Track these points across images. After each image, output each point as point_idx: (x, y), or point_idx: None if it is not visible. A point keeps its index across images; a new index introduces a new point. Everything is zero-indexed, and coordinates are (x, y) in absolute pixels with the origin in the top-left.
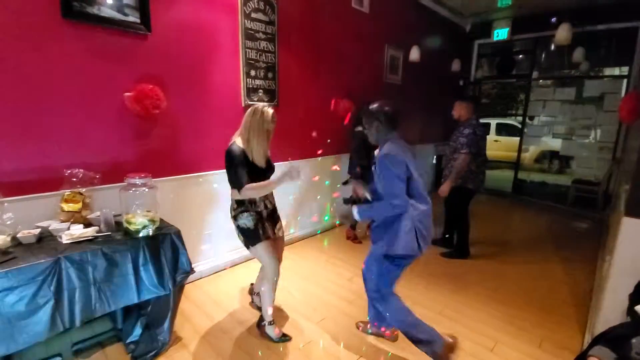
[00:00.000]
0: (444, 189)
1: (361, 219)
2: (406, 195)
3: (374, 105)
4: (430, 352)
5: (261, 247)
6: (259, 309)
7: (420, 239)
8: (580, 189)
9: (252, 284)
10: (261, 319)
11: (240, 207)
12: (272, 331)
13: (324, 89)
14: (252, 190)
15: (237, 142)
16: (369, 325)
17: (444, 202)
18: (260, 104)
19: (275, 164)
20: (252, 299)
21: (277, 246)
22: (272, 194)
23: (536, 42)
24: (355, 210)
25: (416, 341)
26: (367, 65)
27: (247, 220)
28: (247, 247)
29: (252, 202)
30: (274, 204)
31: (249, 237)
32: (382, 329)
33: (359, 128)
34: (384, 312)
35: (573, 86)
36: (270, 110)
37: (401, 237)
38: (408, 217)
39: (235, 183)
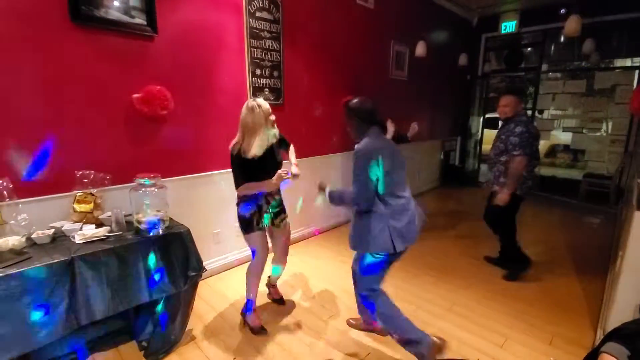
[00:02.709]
0: (504, 197)
1: (331, 202)
2: (371, 194)
3: (352, 102)
4: (417, 353)
5: (251, 237)
6: (275, 300)
7: (396, 238)
8: (592, 183)
9: (269, 277)
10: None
11: (243, 195)
12: (250, 319)
13: (329, 86)
14: (244, 190)
15: (235, 140)
16: (361, 322)
17: (484, 216)
18: (252, 100)
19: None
20: (270, 291)
21: (277, 237)
22: (278, 191)
23: (545, 34)
24: (327, 191)
25: (404, 341)
26: (373, 61)
27: (244, 209)
28: (243, 233)
29: (255, 195)
30: (279, 200)
31: (243, 225)
32: (374, 324)
33: None
34: (372, 311)
35: (583, 78)
36: (265, 102)
37: (375, 236)
38: (378, 217)
39: (234, 184)
